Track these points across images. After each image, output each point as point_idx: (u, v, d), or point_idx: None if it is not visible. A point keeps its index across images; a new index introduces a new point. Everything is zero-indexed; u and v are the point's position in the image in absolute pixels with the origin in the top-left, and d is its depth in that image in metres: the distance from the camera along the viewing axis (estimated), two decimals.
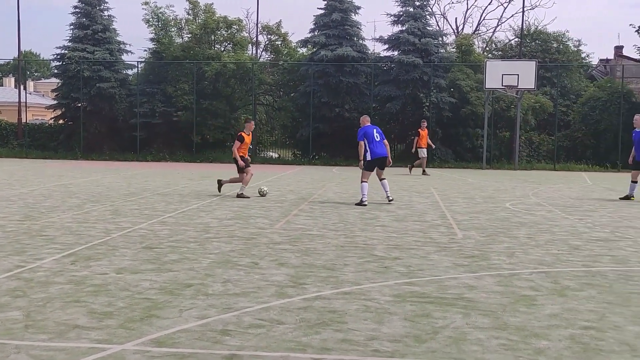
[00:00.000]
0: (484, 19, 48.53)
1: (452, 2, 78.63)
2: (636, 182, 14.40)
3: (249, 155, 14.21)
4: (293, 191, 15.55)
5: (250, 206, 12.14)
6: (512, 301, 5.46)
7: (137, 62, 33.27)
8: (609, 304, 5.40)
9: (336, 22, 30.47)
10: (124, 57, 33.58)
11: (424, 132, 23.15)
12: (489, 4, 60.50)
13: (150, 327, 4.56)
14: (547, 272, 6.67)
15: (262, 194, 13.88)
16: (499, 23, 56.05)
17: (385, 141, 13.18)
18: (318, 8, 31.48)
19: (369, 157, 12.90)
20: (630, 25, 34.27)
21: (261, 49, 35.54)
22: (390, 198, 13.16)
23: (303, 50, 33.51)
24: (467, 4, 70.75)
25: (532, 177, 22.98)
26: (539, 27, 38.61)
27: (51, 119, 33.82)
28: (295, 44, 33.89)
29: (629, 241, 8.76)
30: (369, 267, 6.79)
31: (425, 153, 23.17)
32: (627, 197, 14.42)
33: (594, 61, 40.43)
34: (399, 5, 31.07)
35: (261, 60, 34.90)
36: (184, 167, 25.55)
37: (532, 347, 4.27)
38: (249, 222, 10.05)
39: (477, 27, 45.82)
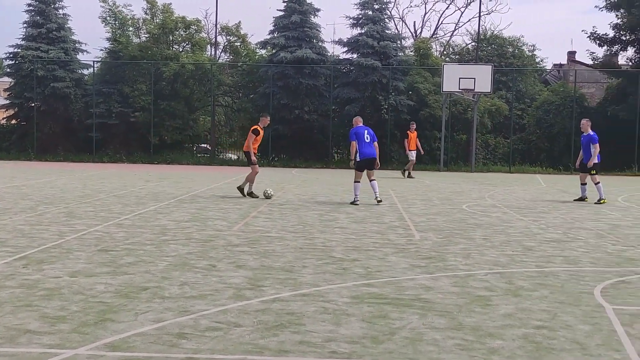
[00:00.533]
0: (441, 23, 49.11)
1: (411, 6, 79.39)
2: (585, 183, 14.76)
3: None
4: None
5: (208, 208, 12.05)
6: (468, 302, 5.54)
7: (93, 61, 32.73)
8: (561, 304, 5.52)
9: (296, 24, 30.48)
10: (80, 56, 33.04)
11: (412, 135, 23.02)
12: (447, 8, 61.24)
13: (104, 332, 4.48)
14: (501, 273, 6.79)
15: (267, 196, 13.82)
16: (456, 27, 56.96)
17: (375, 143, 13.38)
18: (277, 10, 31.52)
19: (358, 158, 13.12)
20: (582, 31, 35.15)
21: (220, 50, 35.33)
22: (379, 199, 13.28)
23: (262, 51, 33.43)
24: (425, 8, 71.51)
25: (488, 179, 23.36)
26: (495, 32, 39.34)
27: (3, 118, 33.03)
28: (254, 46, 33.79)
29: (580, 242, 8.98)
30: (327, 268, 6.81)
31: (414, 155, 23.03)
32: (581, 199, 14.77)
33: (548, 66, 41.39)
34: (358, 8, 31.27)
35: (220, 61, 34.69)
36: (142, 169, 25.21)
37: (487, 347, 4.34)
38: (207, 224, 9.97)
39: (435, 31, 46.44)
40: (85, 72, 33.08)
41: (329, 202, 13.64)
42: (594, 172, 14.48)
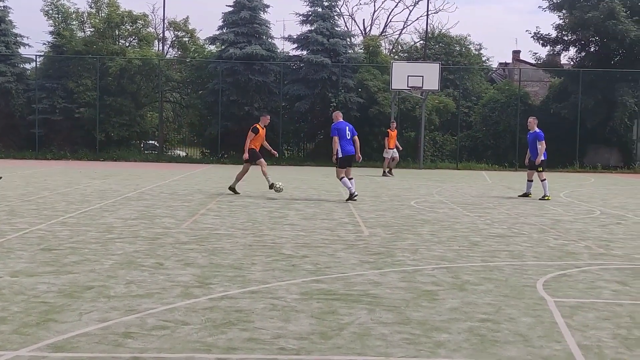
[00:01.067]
0: (390, 21, 49.64)
1: (360, 4, 79.92)
2: (532, 180, 15.13)
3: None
4: (201, 190, 15.34)
5: (156, 206, 11.88)
6: (415, 296, 5.61)
7: (36, 55, 31.87)
8: (505, 297, 5.65)
9: (245, 20, 30.30)
10: (22, 50, 32.08)
11: (393, 133, 22.78)
12: (395, 6, 61.95)
13: (47, 332, 4.37)
14: (448, 268, 6.90)
15: (277, 190, 13.80)
16: (405, 26, 57.66)
17: (356, 137, 13.52)
18: (227, 5, 31.23)
19: (340, 154, 13.24)
20: (526, 31, 35.94)
21: (168, 45, 34.87)
22: (355, 194, 13.40)
23: (211, 47, 33.13)
24: (375, 6, 72.24)
25: (436, 175, 23.70)
26: (443, 31, 39.91)
27: None
28: (203, 41, 33.46)
29: (524, 237, 9.20)
30: (276, 265, 6.80)
31: (393, 154, 22.77)
32: (525, 195, 15.13)
33: (494, 64, 42.22)
34: (308, 5, 31.29)
35: (168, 56, 34.21)
36: (87, 166, 24.66)
37: (433, 341, 4.41)
38: (155, 221, 9.83)
39: (384, 29, 46.84)
40: (28, 66, 32.17)
41: (279, 198, 13.61)
42: (541, 169, 14.85)
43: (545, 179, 14.78)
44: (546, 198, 14.54)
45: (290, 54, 32.72)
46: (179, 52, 34.36)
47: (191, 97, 32.97)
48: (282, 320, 4.78)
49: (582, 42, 30.58)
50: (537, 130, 14.95)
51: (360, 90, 30.35)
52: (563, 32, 30.74)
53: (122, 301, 5.21)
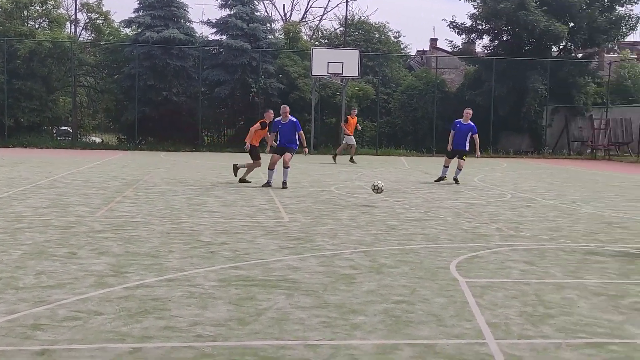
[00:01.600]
0: (310, 7, 49.64)
1: None
2: (447, 166, 15.57)
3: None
4: (117, 177, 14.94)
5: (69, 194, 11.48)
6: (333, 280, 5.68)
7: None
8: (420, 279, 5.81)
9: (162, 3, 29.59)
10: None
11: (353, 120, 22.52)
12: None
13: None
14: (366, 252, 7.02)
15: (377, 191, 11.55)
16: (325, 12, 57.79)
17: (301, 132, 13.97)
18: None
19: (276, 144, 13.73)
20: (443, 19, 36.73)
21: (81, 28, 33.61)
22: (285, 185, 13.50)
23: (127, 30, 32.18)
24: None
25: (356, 161, 23.95)
26: (362, 18, 40.27)
27: None
28: (118, 24, 32.45)
29: (439, 220, 9.46)
30: (194, 253, 6.72)
31: (353, 140, 22.63)
32: (440, 179, 15.56)
33: (412, 52, 43.00)
34: None
35: (81, 39, 32.99)
36: None
37: (350, 323, 4.48)
38: (68, 210, 9.51)
39: (304, 14, 46.82)
40: None
41: (198, 185, 13.44)
42: (464, 158, 15.31)
43: (462, 168, 15.32)
44: (456, 182, 15.13)
45: (209, 39, 32.21)
46: (93, 35, 33.19)
47: (106, 82, 31.95)
48: (199, 308, 4.74)
49: (495, 31, 31.55)
50: (472, 123, 15.38)
51: (280, 76, 30.26)
52: (477, 21, 31.60)
53: (32, 292, 5.02)
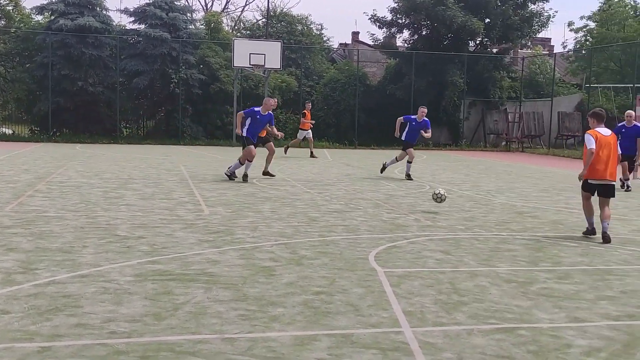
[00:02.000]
0: None
1: None
2: (398, 159, 15.64)
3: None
4: (29, 170, 14.33)
5: None
6: (253, 273, 5.66)
7: None
8: (339, 270, 5.86)
9: None
10: None
11: (308, 114, 22.19)
12: None
13: None
14: (286, 244, 7.03)
15: (439, 199, 9.93)
16: (247, 3, 57.25)
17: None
18: None
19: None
20: (364, 13, 37.09)
21: None
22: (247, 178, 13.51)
23: (39, 18, 30.88)
24: None
25: (278, 154, 23.90)
26: (285, 10, 40.17)
27: None
28: (29, 11, 31.09)
29: (359, 212, 9.58)
30: (110, 247, 6.54)
31: (309, 134, 22.33)
32: (383, 168, 15.78)
33: (335, 45, 43.25)
34: None
35: None
36: None
37: (268, 315, 4.48)
38: None
39: (225, 5, 46.30)
40: None
41: (116, 179, 13.08)
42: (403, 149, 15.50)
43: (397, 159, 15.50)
44: (384, 166, 15.54)
45: (127, 28, 31.31)
46: (2, 22, 31.66)
47: (17, 71, 30.54)
48: (113, 304, 4.62)
49: (415, 25, 32.14)
50: (426, 119, 15.51)
51: (201, 66, 29.79)
52: (398, 15, 32.10)
53: None
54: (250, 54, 26.70)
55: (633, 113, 14.47)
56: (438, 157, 24.78)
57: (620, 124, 14.38)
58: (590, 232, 7.99)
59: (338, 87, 31.59)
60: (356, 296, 5.01)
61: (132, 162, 17.64)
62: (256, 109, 13.77)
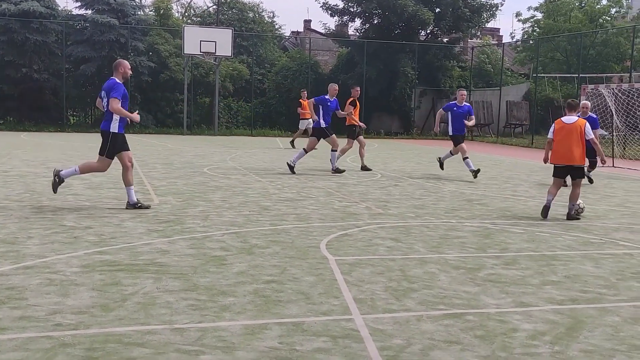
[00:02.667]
0: None
1: None
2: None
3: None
4: None
5: None
6: (203, 262, 5.61)
7: None
8: (290, 258, 5.86)
9: None
10: None
11: (305, 103, 21.15)
12: None
13: None
14: (237, 233, 6.98)
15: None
16: None
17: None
18: None
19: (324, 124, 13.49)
20: (316, 0, 36.98)
21: None
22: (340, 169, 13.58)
23: None
24: None
25: (231, 142, 23.78)
26: None
27: None
28: None
29: (311, 200, 9.59)
30: (56, 238, 6.38)
31: (310, 124, 21.19)
32: (440, 164, 14.34)
33: (287, 33, 43.09)
34: None
35: None
36: None
37: (219, 305, 4.44)
38: None
39: None
40: None
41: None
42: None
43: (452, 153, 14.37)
44: (440, 163, 14.33)
45: (73, 13, 30.54)
46: None
47: None
48: (59, 295, 4.52)
49: (367, 14, 32.24)
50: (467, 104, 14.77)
51: (151, 54, 29.30)
52: (349, 4, 32.14)
53: None
54: (200, 41, 26.41)
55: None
56: (390, 145, 24.99)
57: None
58: (545, 207, 8.59)
59: (290, 75, 31.51)
60: (307, 284, 5.02)
61: (79, 150, 17.26)
62: (325, 96, 13.74)
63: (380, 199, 9.96)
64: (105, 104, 8.11)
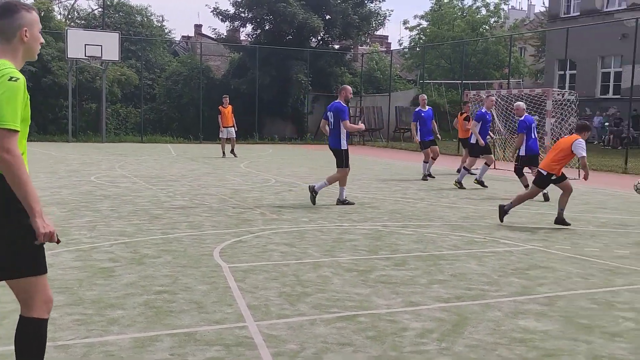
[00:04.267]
0: None
1: None
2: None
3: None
4: None
5: None
6: (90, 275, 5.39)
7: None
8: (183, 267, 5.74)
9: None
10: None
11: (226, 110, 19.81)
12: None
13: None
14: (127, 243, 6.77)
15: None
16: None
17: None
18: None
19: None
20: (206, 5, 36.57)
21: None
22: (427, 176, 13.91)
23: None
24: None
25: (119, 149, 23.03)
26: (122, 0, 38.60)
27: None
28: None
29: (204, 207, 9.46)
30: None
31: (231, 133, 19.94)
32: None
33: (177, 37, 42.31)
34: None
35: None
36: None
37: (106, 318, 4.28)
38: None
39: None
40: None
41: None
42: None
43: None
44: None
45: None
46: None
47: None
48: None
49: (258, 19, 32.23)
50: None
51: None
52: (240, 9, 32.02)
53: None
54: (85, 44, 25.44)
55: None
56: (284, 150, 25.09)
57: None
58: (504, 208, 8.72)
59: (181, 80, 30.97)
60: (200, 293, 4.94)
61: None
62: (417, 109, 13.93)
63: (274, 204, 9.98)
64: None
